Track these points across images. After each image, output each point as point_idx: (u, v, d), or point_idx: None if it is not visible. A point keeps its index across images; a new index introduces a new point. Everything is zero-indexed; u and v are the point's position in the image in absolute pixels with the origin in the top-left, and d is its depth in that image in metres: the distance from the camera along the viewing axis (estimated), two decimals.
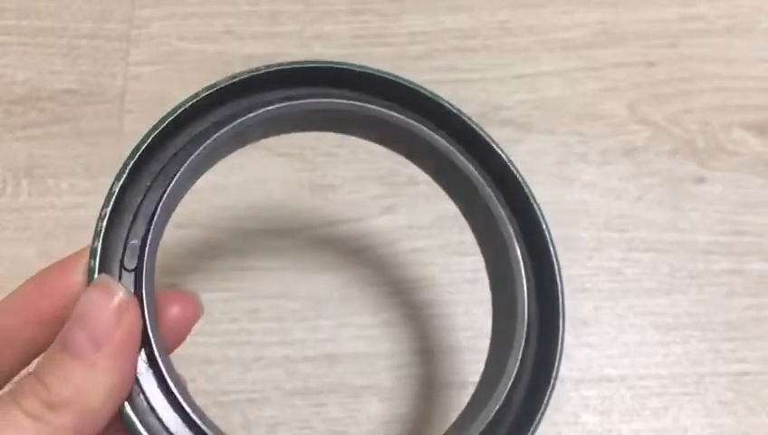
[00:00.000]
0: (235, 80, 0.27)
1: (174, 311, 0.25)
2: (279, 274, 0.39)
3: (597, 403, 0.37)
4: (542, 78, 0.45)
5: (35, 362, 0.23)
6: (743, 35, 0.47)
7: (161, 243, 0.39)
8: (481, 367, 0.37)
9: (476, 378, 0.37)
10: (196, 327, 0.29)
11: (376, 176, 0.42)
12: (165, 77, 0.44)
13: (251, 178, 0.42)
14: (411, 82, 0.29)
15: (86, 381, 0.20)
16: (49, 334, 0.22)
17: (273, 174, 0.42)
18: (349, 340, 0.38)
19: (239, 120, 0.27)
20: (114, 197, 0.23)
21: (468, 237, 0.40)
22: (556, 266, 0.27)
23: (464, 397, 0.37)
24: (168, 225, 0.41)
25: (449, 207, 0.41)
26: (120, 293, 0.21)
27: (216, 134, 0.26)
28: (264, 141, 0.42)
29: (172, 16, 0.45)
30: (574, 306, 0.39)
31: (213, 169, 0.42)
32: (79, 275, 0.23)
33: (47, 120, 0.42)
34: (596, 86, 0.45)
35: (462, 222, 0.41)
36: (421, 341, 0.38)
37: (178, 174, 0.25)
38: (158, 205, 0.25)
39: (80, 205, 0.40)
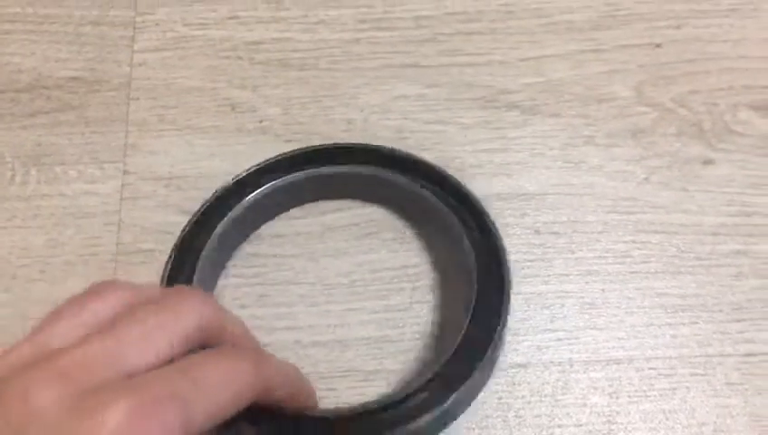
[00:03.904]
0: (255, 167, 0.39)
1: None
2: (288, 260, 0.39)
3: (605, 385, 0.37)
4: (547, 61, 0.45)
5: None
6: (749, 15, 0.47)
7: (173, 232, 0.39)
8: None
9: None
10: None
11: None
12: (171, 64, 0.44)
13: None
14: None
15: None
16: None
17: None
18: (358, 325, 0.38)
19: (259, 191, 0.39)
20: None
21: None
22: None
23: None
24: (178, 213, 0.42)
25: None
26: None
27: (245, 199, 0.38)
28: (272, 125, 0.43)
29: (177, 2, 0.45)
30: (582, 289, 0.39)
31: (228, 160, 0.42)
32: None
33: (54, 108, 0.43)
34: (602, 68, 0.45)
35: None
36: (429, 325, 0.39)
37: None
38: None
39: (88, 192, 0.41)
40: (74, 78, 0.43)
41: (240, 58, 0.44)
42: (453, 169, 0.42)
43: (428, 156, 0.42)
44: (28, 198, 0.40)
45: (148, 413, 0.21)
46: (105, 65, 0.44)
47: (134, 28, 0.45)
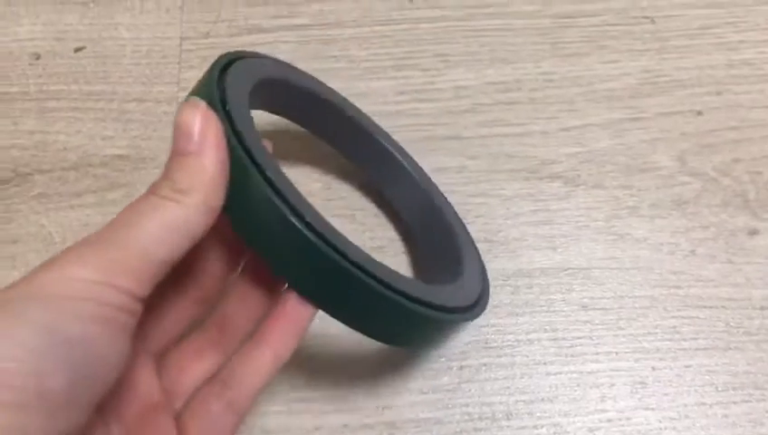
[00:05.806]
0: None
1: None
2: (334, 339, 0.40)
3: None
4: (588, 130, 0.45)
5: None
6: None
7: None
8: (540, 432, 0.37)
9: None
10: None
11: None
12: None
13: None
14: None
15: (199, 168, 0.26)
16: None
17: None
18: (406, 406, 0.38)
19: None
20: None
21: (521, 298, 0.41)
22: None
23: None
24: None
25: (500, 267, 0.41)
26: (201, 104, 0.27)
27: None
28: (315, 201, 0.43)
29: None
30: (632, 367, 0.39)
31: None
32: None
33: (101, 187, 0.43)
34: (644, 137, 0.45)
35: (514, 282, 0.41)
36: (478, 406, 0.38)
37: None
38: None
39: None
40: (120, 156, 0.44)
41: (282, 132, 0.45)
42: (497, 243, 0.42)
43: (471, 229, 0.42)
44: None
45: None
46: (150, 142, 0.44)
47: (177, 104, 0.45)
